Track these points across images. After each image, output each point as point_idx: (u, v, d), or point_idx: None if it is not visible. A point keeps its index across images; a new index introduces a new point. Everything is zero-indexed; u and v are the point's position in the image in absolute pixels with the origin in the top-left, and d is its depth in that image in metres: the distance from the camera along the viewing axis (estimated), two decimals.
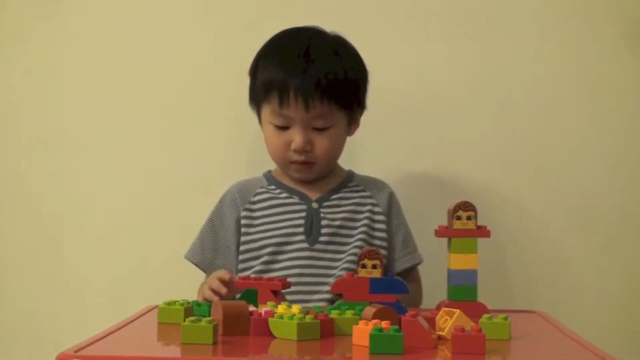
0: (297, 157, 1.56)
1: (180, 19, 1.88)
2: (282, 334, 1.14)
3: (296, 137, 1.54)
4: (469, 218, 1.34)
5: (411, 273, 1.62)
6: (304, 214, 1.58)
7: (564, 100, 1.86)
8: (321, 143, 1.56)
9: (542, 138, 1.87)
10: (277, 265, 1.54)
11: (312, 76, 1.52)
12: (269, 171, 1.67)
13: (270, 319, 1.16)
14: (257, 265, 1.55)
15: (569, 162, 1.87)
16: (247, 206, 1.59)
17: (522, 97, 1.86)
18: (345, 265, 1.55)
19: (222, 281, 1.41)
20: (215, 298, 1.39)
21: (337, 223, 1.58)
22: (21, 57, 1.88)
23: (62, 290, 1.89)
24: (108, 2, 1.89)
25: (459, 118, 1.87)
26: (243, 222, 1.58)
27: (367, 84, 1.61)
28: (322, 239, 1.56)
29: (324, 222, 1.57)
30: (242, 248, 1.56)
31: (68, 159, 1.89)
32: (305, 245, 1.55)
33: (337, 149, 1.59)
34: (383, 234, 1.60)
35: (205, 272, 1.59)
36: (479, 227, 1.34)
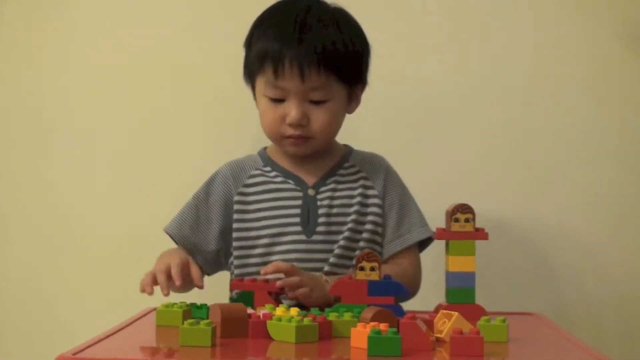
0: (292, 132, 1.49)
1: (183, 22, 1.90)
2: (280, 337, 1.15)
3: (291, 110, 1.48)
4: (467, 220, 1.34)
5: (404, 255, 1.54)
6: (299, 202, 1.52)
7: (565, 100, 1.88)
8: (318, 117, 1.49)
9: (542, 139, 1.88)
10: (272, 258, 1.49)
11: (308, 45, 1.45)
12: (265, 149, 1.61)
13: (268, 322, 1.16)
14: (254, 257, 1.52)
15: (568, 164, 1.88)
16: (241, 189, 1.54)
17: (523, 97, 1.88)
18: (333, 260, 1.50)
19: (167, 276, 1.35)
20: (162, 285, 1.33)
21: (333, 211, 1.53)
22: (23, 57, 1.90)
23: (62, 293, 1.90)
24: (109, 2, 1.91)
25: (457, 119, 1.88)
26: (236, 207, 1.53)
27: (369, 59, 1.54)
28: (318, 229, 1.51)
29: (320, 211, 1.52)
30: (236, 235, 1.52)
31: (70, 160, 1.90)
32: (302, 237, 1.50)
33: (334, 124, 1.52)
34: (377, 218, 1.54)
35: (179, 245, 1.53)
36: (477, 230, 1.35)
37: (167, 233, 1.55)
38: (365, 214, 1.55)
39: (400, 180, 1.60)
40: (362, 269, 1.29)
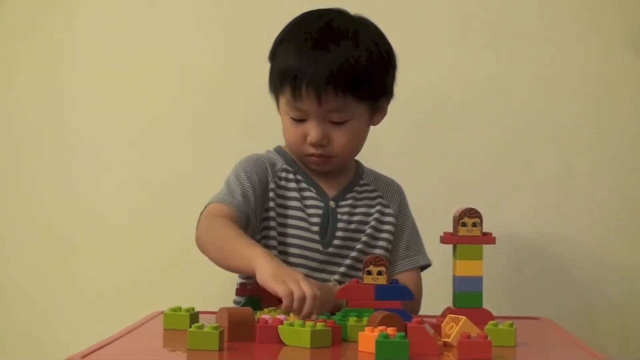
0: (313, 151, 1.51)
1: (186, 20, 1.91)
2: (293, 342, 1.14)
3: (312, 131, 1.48)
4: (474, 225, 1.35)
5: (409, 277, 1.56)
6: (320, 212, 1.53)
7: (574, 106, 1.90)
8: (339, 137, 1.50)
9: (549, 144, 1.90)
10: (286, 262, 1.48)
11: (324, 67, 1.44)
12: (281, 147, 1.59)
13: (280, 327, 1.16)
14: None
15: (576, 168, 1.89)
16: (276, 180, 1.53)
17: (533, 102, 1.90)
18: (342, 269, 1.52)
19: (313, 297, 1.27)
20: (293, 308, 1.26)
21: (352, 227, 1.54)
22: (23, 57, 1.92)
23: (69, 295, 1.91)
24: (110, 2, 1.92)
25: (464, 124, 1.91)
26: (271, 194, 1.51)
27: (395, 70, 1.52)
28: (335, 242, 1.52)
29: (339, 225, 1.53)
30: (265, 224, 1.50)
31: (76, 163, 1.91)
32: (318, 246, 1.51)
33: (356, 143, 1.53)
34: (390, 236, 1.57)
35: (234, 214, 1.46)
36: (484, 234, 1.36)
37: (221, 202, 1.46)
38: (380, 231, 1.57)
39: (409, 205, 1.64)
40: (369, 273, 1.30)
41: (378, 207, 1.58)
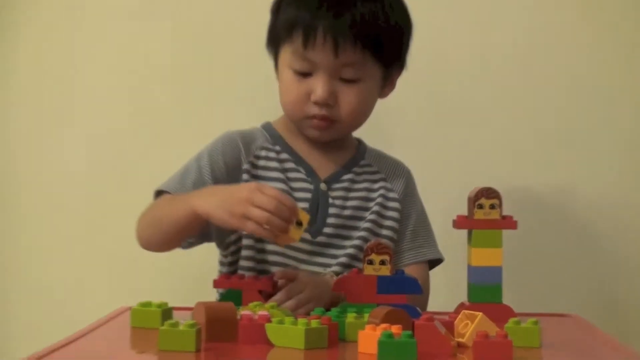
0: (316, 111, 1.50)
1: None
2: (284, 342, 1.14)
3: (318, 86, 1.48)
4: (492, 207, 1.33)
5: (416, 269, 1.57)
6: (309, 195, 1.53)
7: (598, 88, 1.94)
8: (347, 98, 1.50)
9: (575, 126, 1.93)
10: (269, 257, 1.50)
11: (346, 15, 1.45)
12: (269, 124, 1.60)
13: (267, 325, 1.15)
14: (246, 249, 1.51)
15: (603, 152, 1.93)
16: (252, 160, 1.54)
17: (551, 81, 1.93)
18: (342, 259, 1.52)
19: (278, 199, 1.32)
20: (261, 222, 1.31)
21: (346, 213, 1.55)
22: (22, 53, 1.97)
23: (25, 287, 1.95)
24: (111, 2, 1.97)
25: (481, 95, 1.94)
26: (245, 177, 1.53)
27: (410, 39, 1.55)
28: (327, 230, 1.53)
29: (332, 211, 1.54)
30: None
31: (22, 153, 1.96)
32: (305, 235, 1.50)
33: (365, 108, 1.53)
34: (394, 224, 1.58)
35: None
36: (503, 217, 1.34)
37: (165, 191, 1.51)
38: (384, 217, 1.57)
39: (417, 190, 1.64)
40: (370, 262, 1.29)
41: (381, 192, 1.58)
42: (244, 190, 1.33)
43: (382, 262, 1.29)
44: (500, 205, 1.34)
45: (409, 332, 1.08)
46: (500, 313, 1.31)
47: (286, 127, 1.58)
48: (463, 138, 1.94)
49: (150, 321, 1.24)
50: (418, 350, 1.07)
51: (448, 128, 1.93)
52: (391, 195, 1.59)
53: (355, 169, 1.59)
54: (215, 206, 1.34)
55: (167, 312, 1.26)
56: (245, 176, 1.53)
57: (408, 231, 1.59)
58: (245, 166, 1.53)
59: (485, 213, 1.34)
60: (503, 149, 1.93)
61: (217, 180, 1.50)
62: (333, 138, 1.55)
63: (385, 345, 1.06)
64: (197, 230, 1.45)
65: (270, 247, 1.50)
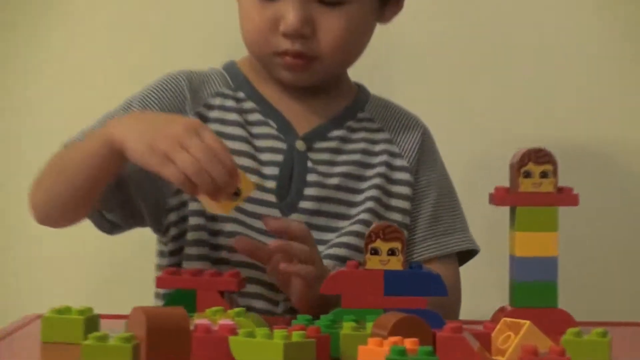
0: (287, 46, 1.51)
1: None
2: None
3: (289, 11, 1.50)
4: (544, 175, 1.31)
5: (439, 265, 1.59)
6: (280, 158, 1.56)
7: None
8: (329, 24, 1.51)
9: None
10: (222, 241, 1.52)
11: None
12: (234, 62, 1.64)
13: (232, 339, 1.13)
14: (193, 230, 1.53)
15: None
16: (201, 110, 1.57)
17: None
18: (333, 250, 1.54)
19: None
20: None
21: (332, 182, 1.56)
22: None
23: None
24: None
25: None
26: None
27: None
28: (303, 204, 1.55)
29: (311, 178, 1.56)
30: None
31: None
32: (275, 212, 1.53)
33: (354, 39, 1.55)
34: (404, 204, 1.59)
35: None
36: (560, 190, 1.32)
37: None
38: (390, 195, 1.59)
39: (439, 154, 1.67)
40: (375, 252, 1.27)
41: (384, 157, 1.60)
42: (178, 124, 1.35)
43: (392, 252, 1.26)
44: (555, 173, 1.31)
45: (429, 348, 1.04)
46: (554, 321, 1.30)
47: (254, 67, 1.60)
48: (491, 86, 2.01)
49: (69, 334, 1.21)
50: None
51: (472, 74, 2.00)
52: (398, 163, 1.60)
53: (350, 124, 1.60)
54: (135, 134, 1.36)
55: (91, 321, 1.23)
56: None
57: (425, 213, 1.61)
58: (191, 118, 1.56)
59: (534, 184, 1.31)
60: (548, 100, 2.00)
61: None
62: (314, 82, 1.56)
63: None
64: (115, 174, 1.47)
65: (228, 228, 1.52)
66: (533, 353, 1.04)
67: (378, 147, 1.61)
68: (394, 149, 1.61)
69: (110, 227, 1.55)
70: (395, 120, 1.64)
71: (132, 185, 1.52)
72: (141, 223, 1.57)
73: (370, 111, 1.63)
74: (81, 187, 1.45)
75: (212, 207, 1.37)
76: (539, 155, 1.31)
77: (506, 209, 1.34)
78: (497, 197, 1.32)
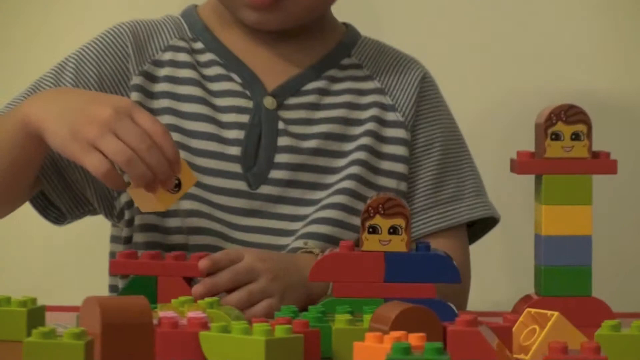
0: None
1: None
2: None
3: None
4: (575, 137, 1.33)
5: (445, 239, 1.61)
6: (245, 119, 1.58)
7: None
8: None
9: None
10: (178, 223, 1.54)
11: None
12: (195, 7, 1.65)
13: (203, 334, 1.16)
14: (145, 216, 1.56)
15: None
16: (147, 67, 1.60)
17: None
18: (312, 228, 1.57)
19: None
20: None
21: (309, 146, 1.59)
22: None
23: None
24: None
25: None
26: (134, 96, 1.58)
27: None
28: (275, 174, 1.57)
29: (283, 142, 1.58)
30: None
31: None
32: (240, 185, 1.56)
33: None
34: (400, 167, 1.61)
35: None
36: (595, 155, 1.34)
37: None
38: (380, 156, 1.61)
39: (445, 103, 1.68)
40: (373, 230, 1.29)
41: (373, 111, 1.61)
42: (107, 105, 1.39)
43: (394, 230, 1.29)
44: (589, 135, 1.33)
45: (438, 345, 1.05)
46: (588, 312, 1.32)
47: (216, 10, 1.62)
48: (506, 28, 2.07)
49: (8, 329, 1.21)
50: None
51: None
52: (391, 117, 1.62)
53: (332, 73, 1.62)
54: (55, 116, 1.40)
55: (36, 314, 1.23)
56: (135, 96, 1.58)
57: (426, 178, 1.63)
58: (135, 80, 1.59)
59: (564, 147, 1.33)
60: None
61: None
62: (286, 25, 1.58)
63: None
64: (38, 158, 1.49)
65: (186, 206, 1.54)
66: (562, 350, 1.06)
67: (366, 100, 1.63)
68: (386, 100, 1.63)
69: (56, 215, 1.57)
70: (387, 65, 1.67)
71: (72, 164, 1.54)
72: (92, 211, 1.59)
73: (358, 56, 1.65)
74: (6, 178, 1.49)
75: (146, 202, 1.39)
76: (571, 114, 1.33)
77: (530, 179, 1.36)
78: (520, 164, 1.34)
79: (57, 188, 1.56)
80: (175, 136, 1.55)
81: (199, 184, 1.54)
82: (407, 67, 1.66)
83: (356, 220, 1.51)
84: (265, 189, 1.56)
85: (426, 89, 1.66)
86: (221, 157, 1.57)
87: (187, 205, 1.54)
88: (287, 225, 1.57)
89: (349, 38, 1.66)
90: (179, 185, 1.39)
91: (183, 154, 1.53)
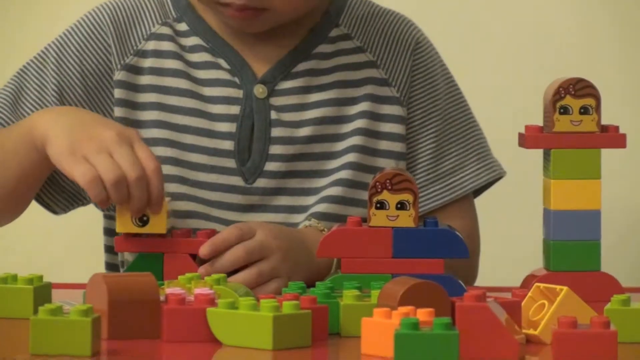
0: None
1: None
2: (238, 339, 1.15)
3: None
4: (584, 111, 1.34)
5: (450, 212, 1.60)
6: (236, 110, 1.57)
7: None
8: None
9: None
10: (176, 223, 1.52)
11: None
12: None
13: (210, 310, 1.16)
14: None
15: None
16: (130, 60, 1.59)
17: None
18: (317, 209, 1.56)
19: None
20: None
21: (303, 133, 1.58)
22: None
23: None
24: None
25: None
26: (118, 94, 1.58)
27: None
28: (270, 167, 1.57)
29: (276, 133, 1.57)
30: None
31: None
32: (236, 180, 1.56)
33: None
34: (397, 145, 1.60)
35: None
36: (604, 128, 1.35)
37: None
38: (377, 136, 1.60)
39: (442, 66, 1.66)
40: (381, 205, 1.30)
41: (368, 88, 1.60)
42: (113, 129, 1.41)
43: (401, 206, 1.30)
44: (598, 109, 1.34)
45: (447, 320, 1.07)
46: (597, 287, 1.32)
47: None
48: None
49: (15, 306, 1.24)
50: (461, 349, 1.06)
51: None
52: (386, 92, 1.60)
53: (321, 49, 1.60)
54: (61, 129, 1.42)
55: (42, 292, 1.25)
56: (119, 92, 1.58)
57: (425, 152, 1.62)
58: (118, 76, 1.58)
59: (573, 120, 1.34)
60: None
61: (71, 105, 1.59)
62: (268, 27, 1.56)
63: (407, 340, 1.05)
64: (45, 170, 1.50)
65: (181, 207, 1.54)
66: (571, 325, 1.08)
67: (359, 75, 1.61)
68: (380, 74, 1.62)
69: (51, 210, 1.58)
70: (378, 32, 1.64)
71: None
72: (84, 202, 1.59)
73: (347, 25, 1.63)
74: (11, 186, 1.50)
75: (116, 220, 1.41)
76: (579, 87, 1.33)
77: (538, 153, 1.36)
78: (529, 138, 1.34)
79: (50, 193, 1.56)
80: (166, 133, 1.56)
81: (193, 182, 1.56)
82: (399, 33, 1.63)
83: (355, 211, 1.53)
84: (261, 182, 1.56)
85: (420, 57, 1.63)
86: (214, 153, 1.56)
87: (182, 206, 1.54)
88: (287, 218, 1.56)
89: (335, 5, 1.63)
90: (145, 220, 1.39)
91: (174, 152, 1.56)
